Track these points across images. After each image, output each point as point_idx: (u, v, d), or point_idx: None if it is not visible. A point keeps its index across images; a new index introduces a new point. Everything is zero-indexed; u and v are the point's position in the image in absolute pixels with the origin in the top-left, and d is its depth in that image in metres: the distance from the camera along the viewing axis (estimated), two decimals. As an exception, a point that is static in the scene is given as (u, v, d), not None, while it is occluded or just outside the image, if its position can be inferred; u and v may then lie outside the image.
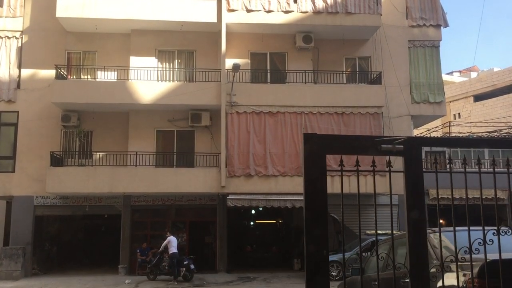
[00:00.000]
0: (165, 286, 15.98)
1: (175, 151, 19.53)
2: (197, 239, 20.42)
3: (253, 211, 24.07)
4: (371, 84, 19.91)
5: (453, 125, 25.33)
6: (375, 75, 19.96)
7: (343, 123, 19.14)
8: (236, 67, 17.41)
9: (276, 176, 18.66)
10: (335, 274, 16.91)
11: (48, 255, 20.50)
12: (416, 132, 23.53)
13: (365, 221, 20.05)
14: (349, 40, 20.53)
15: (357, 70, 20.87)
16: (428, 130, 23.04)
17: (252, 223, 25.61)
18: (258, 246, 22.88)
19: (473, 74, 42.67)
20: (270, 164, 18.67)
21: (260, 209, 21.59)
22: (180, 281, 16.65)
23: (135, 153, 18.52)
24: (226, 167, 18.41)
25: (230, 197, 18.46)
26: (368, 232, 18.06)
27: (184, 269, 16.67)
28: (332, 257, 17.16)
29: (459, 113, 34.73)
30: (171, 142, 19.70)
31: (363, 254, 16.93)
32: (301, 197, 16.40)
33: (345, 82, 20.18)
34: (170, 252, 16.72)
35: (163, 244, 17.00)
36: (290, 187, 18.61)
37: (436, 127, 23.74)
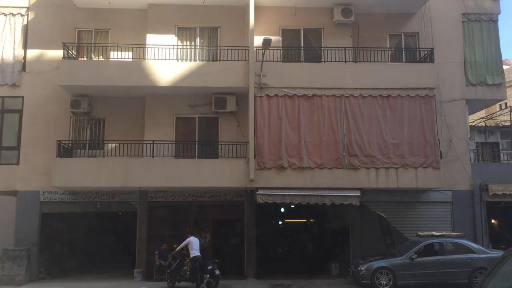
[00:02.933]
0: (186, 295, 13.74)
1: (196, 140, 17.28)
2: (222, 240, 18.14)
3: (282, 209, 21.68)
4: (420, 63, 17.34)
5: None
6: (425, 53, 17.36)
7: (389, 107, 16.59)
8: (267, 42, 15.04)
9: (312, 169, 16.23)
10: (384, 282, 14.36)
11: (58, 257, 18.45)
12: (472, 119, 20.78)
13: (412, 221, 17.49)
14: (393, 14, 18.02)
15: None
16: (483, 118, 20.31)
17: (280, 222, 23.16)
18: (290, 248, 20.43)
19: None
20: (305, 155, 16.25)
21: (292, 206, 19.18)
22: (203, 289, 14.40)
23: (151, 142, 16.34)
24: (255, 158, 16.08)
25: (259, 192, 16.10)
26: (421, 233, 15.47)
27: (208, 275, 14.40)
28: (379, 263, 14.68)
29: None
30: (192, 131, 17.46)
31: (416, 258, 14.42)
32: (342, 193, 14.00)
33: (389, 61, 17.64)
34: (191, 256, 14.47)
35: (180, 245, 14.73)
36: (329, 181, 16.17)
37: (493, 113, 20.93)
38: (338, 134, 16.41)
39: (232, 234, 18.68)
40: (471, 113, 19.20)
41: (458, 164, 17.53)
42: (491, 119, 20.48)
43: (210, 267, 14.51)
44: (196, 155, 16.98)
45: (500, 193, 17.37)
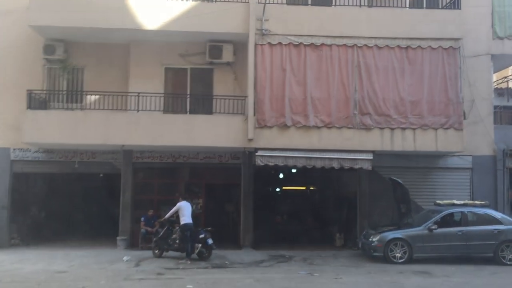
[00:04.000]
0: (175, 266, 12.01)
1: (188, 93, 15.28)
2: (216, 207, 16.39)
3: (281, 175, 19.93)
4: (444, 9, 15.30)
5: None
6: (450, -2, 15.28)
7: (408, 60, 14.62)
8: (271, -21, 12.91)
9: (319, 128, 14.35)
10: (399, 255, 12.72)
11: (34, 222, 16.59)
12: (497, 77, 18.89)
13: (427, 189, 15.81)
14: (414, -46, 15.84)
15: (424, -7, 16.20)
16: (505, 78, 18.43)
17: (278, 189, 21.43)
18: (290, 217, 18.73)
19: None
20: (311, 113, 14.34)
21: (294, 171, 17.42)
22: (195, 260, 12.69)
23: (137, 94, 14.33)
24: (254, 115, 14.16)
25: (259, 153, 14.24)
26: (440, 202, 13.78)
27: (200, 245, 12.69)
28: (394, 234, 12.99)
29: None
30: (183, 83, 15.44)
31: (436, 229, 12.74)
32: (352, 156, 12.14)
33: (408, 7, 15.56)
34: (181, 223, 12.70)
35: (170, 211, 12.96)
36: (337, 142, 14.33)
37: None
38: (349, 90, 14.48)
39: (227, 200, 16.97)
40: (496, 70, 17.26)
41: (481, 126, 15.73)
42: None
43: (202, 236, 12.78)
44: (188, 111, 15.00)
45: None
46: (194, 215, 13.40)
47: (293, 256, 13.77)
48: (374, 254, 12.99)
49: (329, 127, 14.37)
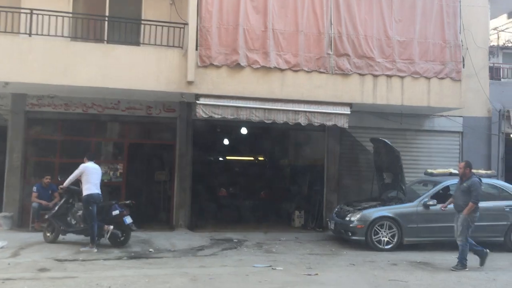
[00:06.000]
0: (72, 257, 8.11)
1: (106, 15, 11.14)
2: (142, 175, 12.54)
3: (226, 141, 16.31)
4: None
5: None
6: None
7: (397, -11, 11.32)
8: None
9: (283, 71, 10.80)
10: (385, 239, 9.53)
11: None
12: (494, 24, 16.04)
13: (410, 155, 12.77)
14: None
15: None
16: (496, 28, 15.66)
17: (222, 159, 17.74)
18: (238, 190, 15.10)
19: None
20: (273, 50, 10.74)
21: (244, 132, 13.83)
22: (104, 246, 8.86)
23: (29, 11, 10.07)
24: (196, 49, 10.36)
25: (201, 101, 10.50)
26: (431, 171, 10.71)
27: (112, 226, 8.81)
28: (380, 211, 9.76)
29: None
30: (100, 2, 11.27)
31: (434, 205, 9.57)
32: (324, 109, 8.60)
33: None
34: (84, 193, 8.76)
35: (71, 176, 8.98)
36: (306, 90, 10.89)
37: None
38: (323, 23, 10.98)
39: (157, 167, 13.12)
40: (494, 16, 14.38)
41: (474, 81, 12.77)
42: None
43: (116, 213, 8.94)
44: (106, 39, 10.85)
45: (531, 124, 13.00)
46: (109, 184, 9.60)
47: (244, 240, 10.26)
48: (353, 237, 9.72)
49: (296, 70, 10.85)
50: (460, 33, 11.66)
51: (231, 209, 13.54)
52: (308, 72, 10.91)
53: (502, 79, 13.72)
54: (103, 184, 9.86)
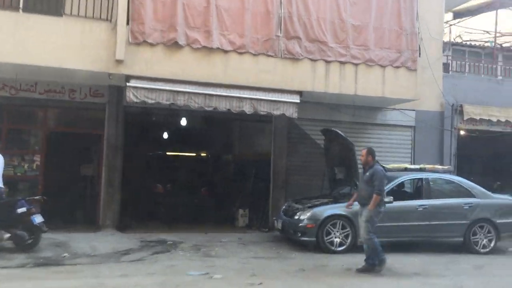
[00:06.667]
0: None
1: (21, -20, 9.52)
2: (64, 168, 10.92)
3: (164, 133, 14.95)
4: None
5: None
6: None
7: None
8: None
9: (227, 53, 9.63)
10: (338, 240, 8.59)
11: None
12: (448, 18, 15.55)
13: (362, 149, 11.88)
14: None
15: None
16: (447, 22, 15.23)
17: (158, 152, 16.10)
18: (176, 187, 13.69)
19: None
20: (216, 29, 9.54)
21: (184, 123, 12.56)
22: (8, 251, 7.32)
23: None
24: (128, 23, 9.00)
25: (132, 83, 9.14)
26: (385, 166, 9.86)
27: (19, 226, 7.28)
28: (332, 209, 8.79)
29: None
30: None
31: (391, 202, 8.50)
32: (272, 96, 7.65)
33: None
34: (-18, 187, 7.21)
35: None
36: (252, 75, 9.79)
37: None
38: (272, 1, 9.91)
39: (83, 160, 11.56)
40: (449, 8, 13.89)
41: (428, 73, 12.13)
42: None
43: (23, 210, 7.41)
44: (21, 7, 9.19)
45: (477, 118, 12.52)
46: (22, 178, 8.06)
47: (180, 242, 8.99)
48: (303, 238, 8.71)
49: (241, 53, 9.71)
50: (417, 19, 10.98)
51: (168, 207, 12.16)
52: (254, 55, 9.80)
53: (450, 72, 13.20)
54: (14, 178, 8.30)
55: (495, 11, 14.99)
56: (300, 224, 8.68)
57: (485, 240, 9.09)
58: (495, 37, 15.02)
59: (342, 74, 10.32)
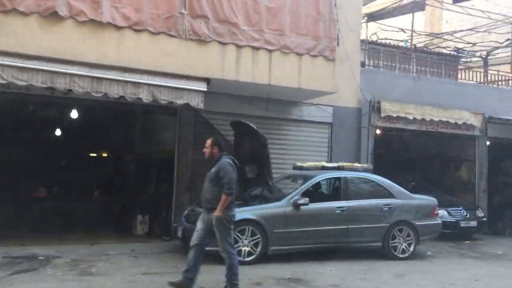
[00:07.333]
0: None
1: None
2: None
3: (58, 131, 13.02)
4: None
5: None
6: None
7: None
8: None
9: (121, 29, 8.13)
10: (246, 249, 7.42)
11: None
12: (366, 11, 15.00)
13: (277, 147, 10.92)
14: None
15: None
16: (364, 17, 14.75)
17: (43, 148, 13.86)
18: (64, 190, 11.78)
19: None
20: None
21: (75, 116, 10.80)
22: None
23: None
24: (-9, -14, 7.21)
25: (-3, 60, 7.34)
26: (301, 164, 8.99)
27: None
28: (240, 214, 7.52)
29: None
30: None
31: (306, 204, 7.39)
32: (175, 82, 6.79)
33: None
34: None
35: None
36: (151, 57, 8.38)
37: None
38: (179, -30, 8.58)
39: None
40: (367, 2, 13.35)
41: (345, 66, 11.41)
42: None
43: None
44: None
45: (395, 115, 12.02)
46: None
47: (55, 256, 7.31)
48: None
49: (138, 30, 8.26)
50: (336, 5, 10.17)
51: (50, 214, 10.29)
52: (154, 34, 8.38)
53: (366, 67, 12.66)
54: None
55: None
56: (204, 231, 7.38)
57: (404, 245, 8.38)
58: (411, 36, 14.79)
59: (255, 60, 9.19)
